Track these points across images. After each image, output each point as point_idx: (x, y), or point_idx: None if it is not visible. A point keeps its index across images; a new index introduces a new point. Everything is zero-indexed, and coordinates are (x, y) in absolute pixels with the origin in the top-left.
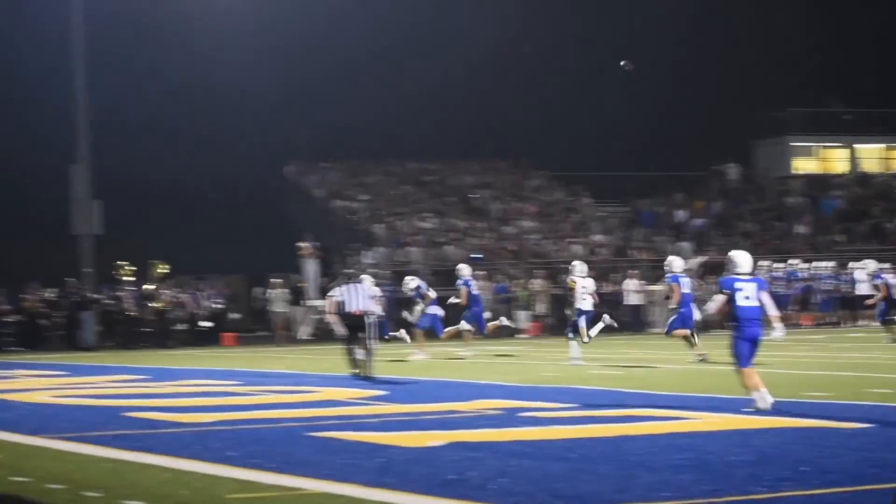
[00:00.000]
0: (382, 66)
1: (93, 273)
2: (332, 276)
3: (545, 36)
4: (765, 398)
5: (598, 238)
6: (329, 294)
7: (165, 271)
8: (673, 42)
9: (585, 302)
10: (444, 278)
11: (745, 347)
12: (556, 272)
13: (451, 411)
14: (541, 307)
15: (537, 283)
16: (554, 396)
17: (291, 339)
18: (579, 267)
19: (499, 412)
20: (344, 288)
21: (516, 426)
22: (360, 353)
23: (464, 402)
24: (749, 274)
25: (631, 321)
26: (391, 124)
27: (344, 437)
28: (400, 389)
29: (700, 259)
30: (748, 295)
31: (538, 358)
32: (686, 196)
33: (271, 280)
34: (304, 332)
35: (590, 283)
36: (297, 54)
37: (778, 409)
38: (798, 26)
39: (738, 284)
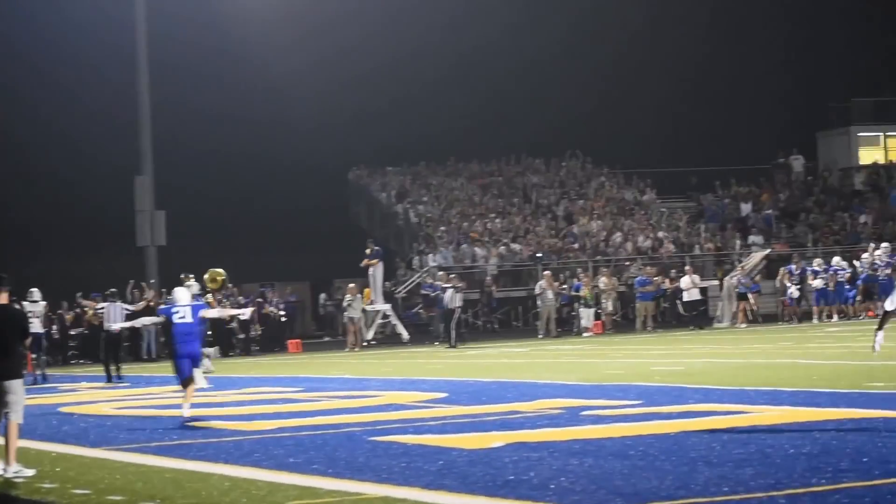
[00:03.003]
0: (443, 68)
1: (157, 284)
2: (396, 279)
3: (606, 32)
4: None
5: (663, 234)
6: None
7: (219, 279)
8: (736, 35)
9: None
10: (511, 278)
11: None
12: (622, 269)
13: (513, 412)
14: (607, 305)
15: (602, 281)
16: (616, 394)
17: (363, 344)
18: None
19: (561, 411)
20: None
21: (577, 425)
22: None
23: (525, 403)
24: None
25: (693, 317)
26: (454, 126)
27: (405, 440)
28: (461, 391)
29: (762, 253)
30: (183, 316)
31: (602, 356)
32: (751, 189)
33: (349, 286)
34: (369, 335)
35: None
36: (358, 60)
37: (840, 400)
38: (860, 16)
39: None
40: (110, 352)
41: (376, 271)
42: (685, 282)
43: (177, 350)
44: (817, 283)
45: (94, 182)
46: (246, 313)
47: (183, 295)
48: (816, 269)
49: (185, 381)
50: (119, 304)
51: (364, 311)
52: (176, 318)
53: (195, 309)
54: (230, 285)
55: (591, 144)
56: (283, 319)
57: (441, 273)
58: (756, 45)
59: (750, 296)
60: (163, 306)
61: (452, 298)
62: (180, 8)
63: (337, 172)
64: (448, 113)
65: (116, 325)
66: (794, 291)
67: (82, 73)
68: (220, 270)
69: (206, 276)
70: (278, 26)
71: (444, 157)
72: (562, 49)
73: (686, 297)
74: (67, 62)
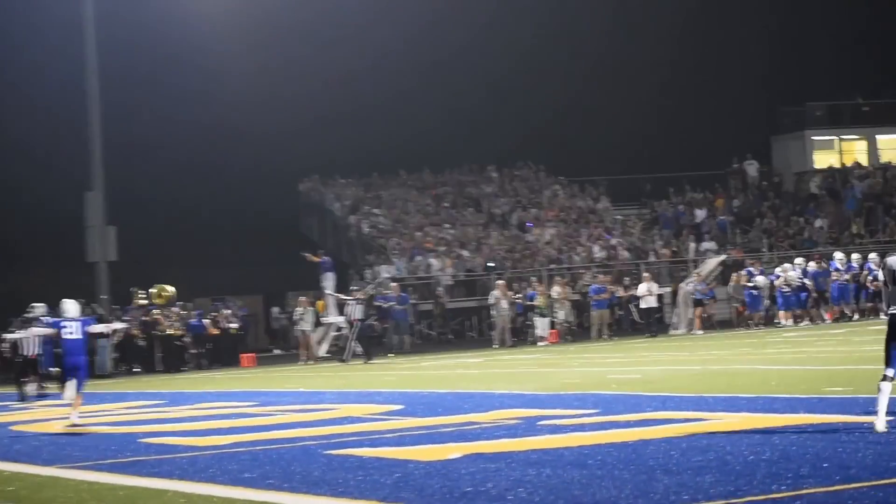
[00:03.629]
0: (396, 81)
1: (108, 299)
2: (350, 292)
3: (557, 40)
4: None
5: (617, 241)
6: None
7: (167, 295)
8: (687, 39)
9: None
10: (465, 288)
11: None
12: (577, 278)
13: (469, 423)
14: (561, 314)
15: (556, 290)
16: (573, 403)
17: (317, 358)
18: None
19: (518, 421)
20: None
21: (535, 435)
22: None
23: (482, 413)
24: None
25: (649, 324)
26: (406, 137)
27: (361, 453)
28: (417, 403)
29: (718, 259)
30: (72, 331)
31: (558, 365)
32: (705, 195)
33: (299, 298)
34: (322, 349)
35: None
36: (310, 70)
37: (799, 406)
38: (814, 22)
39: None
40: (25, 374)
41: (327, 283)
42: (642, 289)
43: (65, 363)
44: (792, 273)
45: (42, 195)
46: (120, 328)
47: (72, 308)
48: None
49: (72, 392)
50: (35, 328)
51: (318, 323)
52: (64, 333)
53: (83, 323)
54: (179, 301)
55: (543, 153)
56: (239, 332)
57: (355, 287)
58: (709, 51)
59: (706, 301)
60: (53, 318)
61: (354, 310)
62: (129, 13)
63: (288, 184)
64: (400, 124)
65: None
66: (770, 281)
67: (32, 83)
68: (168, 286)
69: (152, 291)
70: (230, 33)
71: (396, 169)
72: (513, 59)
73: (643, 304)
74: (16, 72)
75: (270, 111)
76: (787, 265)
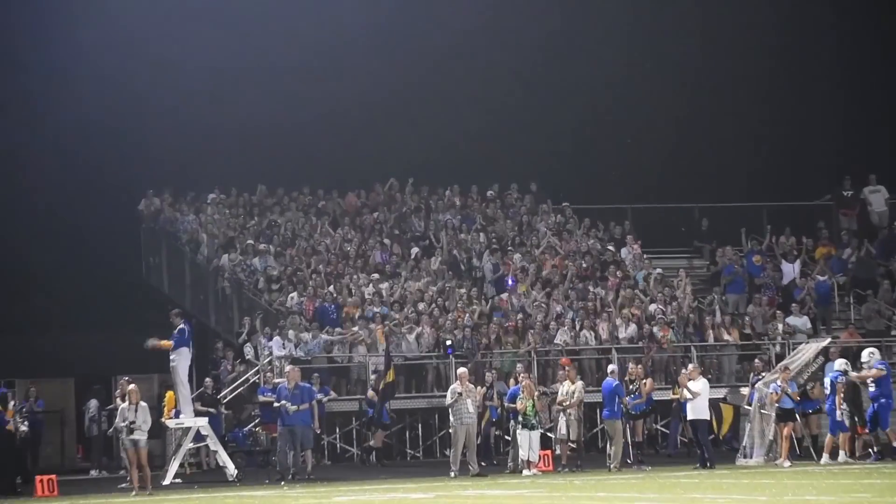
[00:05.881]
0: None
1: None
2: (219, 378)
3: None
4: None
5: (655, 308)
6: None
7: None
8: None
9: None
10: (407, 378)
11: None
12: (585, 367)
13: None
14: (561, 425)
15: (558, 386)
16: None
17: (155, 482)
18: None
19: None
20: None
21: None
22: None
23: None
24: None
25: (699, 445)
26: (313, 138)
27: None
28: None
29: (819, 344)
30: None
31: None
32: (798, 239)
33: (129, 388)
34: (170, 471)
35: None
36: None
37: None
38: None
39: None
40: None
41: (179, 363)
42: (689, 389)
43: None
44: None
45: None
46: None
47: None
48: None
49: None
50: None
51: (165, 427)
52: None
53: None
54: None
55: (532, 167)
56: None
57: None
58: (808, 17)
59: (798, 415)
60: None
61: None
62: None
63: (130, 204)
64: (297, 120)
65: None
66: None
67: None
68: None
69: None
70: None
71: (296, 183)
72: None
73: (691, 413)
74: None
75: (117, 103)
76: None
